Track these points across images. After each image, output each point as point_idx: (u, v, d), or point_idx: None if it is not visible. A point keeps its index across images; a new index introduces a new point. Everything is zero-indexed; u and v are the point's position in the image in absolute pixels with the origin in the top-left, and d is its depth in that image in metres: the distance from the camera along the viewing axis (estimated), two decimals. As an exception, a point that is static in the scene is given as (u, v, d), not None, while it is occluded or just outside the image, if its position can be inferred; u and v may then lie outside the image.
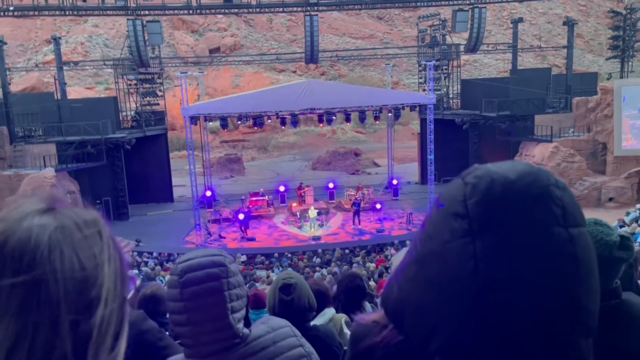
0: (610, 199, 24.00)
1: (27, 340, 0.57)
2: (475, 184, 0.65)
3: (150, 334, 1.75)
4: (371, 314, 0.90)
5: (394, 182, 29.25)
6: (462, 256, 0.63)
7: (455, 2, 29.79)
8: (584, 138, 26.18)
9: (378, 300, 5.97)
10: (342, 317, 3.44)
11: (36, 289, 0.58)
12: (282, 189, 28.18)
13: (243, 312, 1.48)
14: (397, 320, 0.74)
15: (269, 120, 26.84)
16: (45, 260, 0.59)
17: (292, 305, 2.49)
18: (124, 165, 26.97)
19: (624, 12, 32.93)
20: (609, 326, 1.54)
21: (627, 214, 20.04)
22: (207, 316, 1.39)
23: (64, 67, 30.30)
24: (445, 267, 0.64)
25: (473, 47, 29.81)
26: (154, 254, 20.43)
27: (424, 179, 29.54)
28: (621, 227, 16.79)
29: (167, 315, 1.54)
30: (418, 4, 31.22)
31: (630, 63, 32.61)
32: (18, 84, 45.46)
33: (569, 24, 31.45)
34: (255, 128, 29.56)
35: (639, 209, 20.24)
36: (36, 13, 27.67)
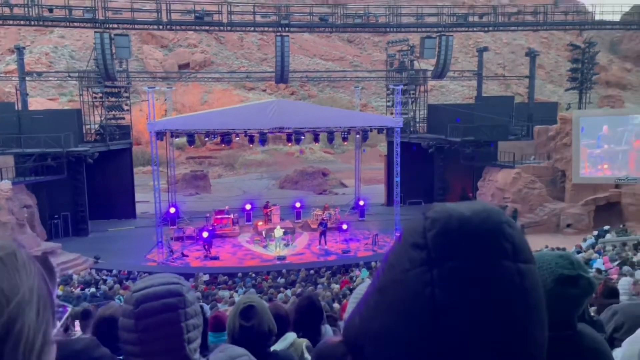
0: (569, 225, 24.71)
1: None
2: (435, 218, 0.70)
3: (102, 362, 1.69)
4: (337, 336, 0.92)
5: (361, 203, 29.43)
6: (420, 283, 0.67)
7: (423, 29, 30.59)
8: (545, 165, 27.01)
9: (341, 323, 5.93)
10: (303, 342, 3.39)
11: None
12: (248, 207, 27.96)
13: (199, 341, 1.44)
14: (357, 350, 0.76)
15: (237, 138, 26.73)
16: None
17: (252, 331, 2.44)
18: (85, 180, 26.30)
19: (582, 46, 34.40)
20: (563, 357, 1.57)
21: (584, 240, 20.68)
22: (162, 348, 1.34)
23: (27, 78, 29.57)
24: (405, 294, 0.68)
25: (440, 73, 30.56)
26: (114, 272, 19.85)
27: (390, 201, 29.82)
28: (578, 252, 17.28)
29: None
30: (387, 29, 31.93)
31: (588, 94, 33.99)
32: (-23, 92, 44.05)
33: (531, 55, 32.67)
34: (223, 145, 29.37)
35: (594, 236, 20.90)
36: (0, 22, 27.00)
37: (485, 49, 35.55)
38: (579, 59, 34.03)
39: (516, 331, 0.67)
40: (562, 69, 65.86)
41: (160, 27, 28.56)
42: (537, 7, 33.12)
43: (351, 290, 13.65)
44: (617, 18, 41.56)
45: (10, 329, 0.59)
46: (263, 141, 25.83)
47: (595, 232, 21.51)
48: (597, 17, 37.76)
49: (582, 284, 1.68)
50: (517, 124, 29.55)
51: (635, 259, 14.31)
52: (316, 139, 27.30)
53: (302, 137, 26.38)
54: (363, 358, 0.75)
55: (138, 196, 31.09)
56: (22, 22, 27.62)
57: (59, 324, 0.69)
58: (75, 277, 18.73)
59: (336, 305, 10.73)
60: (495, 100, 33.68)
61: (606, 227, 21.92)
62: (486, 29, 32.97)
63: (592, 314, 3.85)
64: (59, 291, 14.68)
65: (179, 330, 1.35)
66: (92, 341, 1.75)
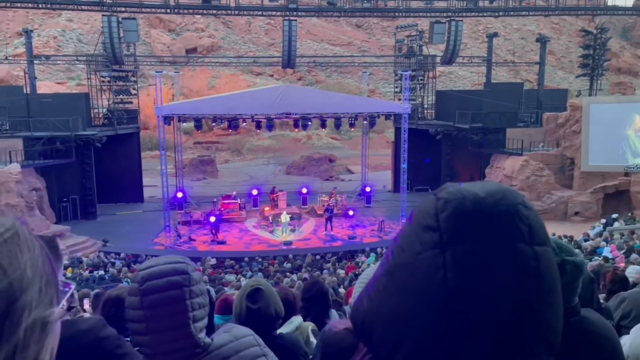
0: (576, 213, 24.59)
1: None
2: (447, 199, 0.68)
3: (108, 341, 1.69)
4: (343, 321, 0.91)
5: (367, 189, 29.41)
6: (432, 266, 0.65)
7: (432, 14, 30.25)
8: (553, 153, 26.79)
9: (346, 308, 5.96)
10: (309, 326, 3.41)
11: None
12: (255, 192, 28.03)
13: (205, 321, 1.45)
14: (365, 333, 0.75)
15: (244, 123, 26.69)
16: None
17: (259, 313, 2.45)
18: (93, 164, 26.45)
19: (594, 31, 33.90)
20: (569, 343, 1.57)
21: (592, 228, 20.58)
22: (167, 325, 1.35)
23: (35, 61, 29.60)
24: (416, 277, 0.66)
25: (449, 59, 30.26)
26: (122, 255, 20.04)
27: (396, 187, 29.78)
28: (586, 240, 17.21)
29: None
30: (396, 14, 31.60)
31: (599, 81, 33.57)
32: (-14, 76, 44.22)
33: (542, 40, 32.24)
34: (230, 130, 29.37)
35: (602, 224, 20.79)
36: (8, 5, 26.98)
37: (495, 34, 35.11)
38: (591, 45, 33.57)
39: (531, 315, 0.65)
40: (573, 55, 65.12)
41: (168, 10, 28.43)
42: (549, -8, 32.62)
43: (357, 276, 13.69)
44: (629, 3, 40.87)
45: (11, 305, 0.58)
46: (270, 127, 25.78)
47: (603, 220, 21.41)
48: (609, 2, 37.19)
49: (569, 270, 1.66)
50: (526, 110, 29.29)
51: (643, 248, 14.21)
52: (323, 125, 27.22)
53: (309, 123, 26.28)
54: (371, 341, 0.74)
55: (146, 180, 31.24)
56: (30, 5, 27.56)
57: (63, 302, 0.68)
58: (84, 259, 18.92)
59: (341, 290, 10.79)
60: (504, 87, 33.36)
61: (614, 215, 21.80)
62: (496, 14, 32.52)
63: (601, 301, 3.84)
64: (67, 273, 14.84)
65: (184, 308, 1.36)
66: (98, 321, 1.76)
